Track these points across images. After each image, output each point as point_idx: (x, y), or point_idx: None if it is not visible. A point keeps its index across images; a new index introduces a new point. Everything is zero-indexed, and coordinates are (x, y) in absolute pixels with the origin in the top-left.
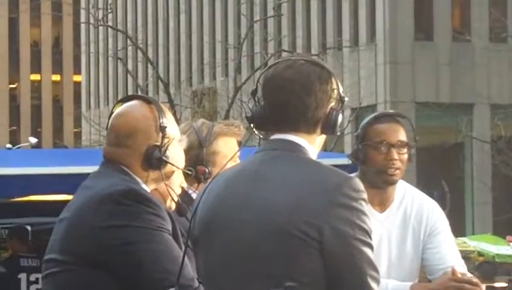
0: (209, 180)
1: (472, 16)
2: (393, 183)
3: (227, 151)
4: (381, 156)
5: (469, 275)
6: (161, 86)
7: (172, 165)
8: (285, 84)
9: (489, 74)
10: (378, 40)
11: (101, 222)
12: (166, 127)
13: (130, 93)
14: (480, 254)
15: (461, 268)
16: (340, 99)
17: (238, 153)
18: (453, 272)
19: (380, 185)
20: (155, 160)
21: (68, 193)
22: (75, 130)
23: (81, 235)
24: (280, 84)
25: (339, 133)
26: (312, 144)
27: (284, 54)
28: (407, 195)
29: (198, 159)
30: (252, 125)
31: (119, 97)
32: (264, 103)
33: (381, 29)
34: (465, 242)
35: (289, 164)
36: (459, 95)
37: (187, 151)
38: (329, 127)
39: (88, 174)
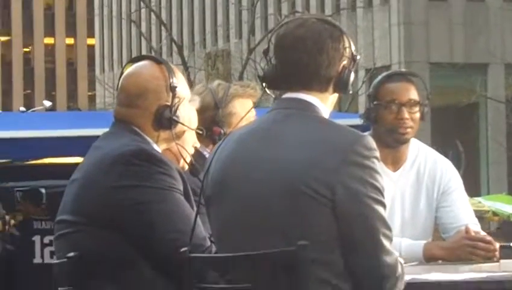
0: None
1: None
2: (405, 142)
3: (243, 113)
4: (392, 115)
5: (482, 233)
6: (175, 48)
7: (183, 125)
8: (297, 42)
9: (503, 34)
10: (392, 1)
11: (112, 182)
12: (176, 87)
13: None
14: (495, 213)
15: (475, 227)
16: (353, 58)
17: (254, 114)
18: (467, 230)
19: (392, 144)
20: (165, 120)
21: (82, 155)
22: (89, 93)
23: (92, 195)
24: (292, 43)
25: (350, 92)
26: (324, 103)
27: (298, 15)
28: (420, 154)
29: (213, 120)
30: (264, 84)
31: None
32: (276, 62)
33: None
34: (480, 202)
35: (301, 122)
36: (473, 55)
37: (203, 112)
38: (341, 85)
39: None
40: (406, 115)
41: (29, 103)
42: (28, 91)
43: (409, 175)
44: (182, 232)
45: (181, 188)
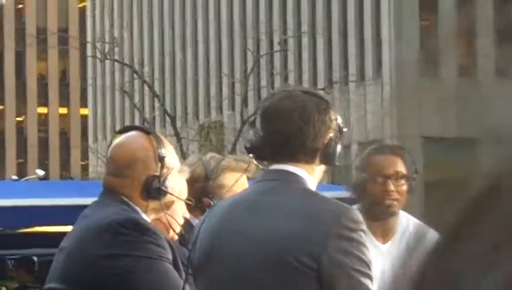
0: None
1: (478, 52)
2: (392, 214)
3: (235, 186)
4: (378, 188)
5: None
6: (168, 119)
7: (172, 195)
8: (283, 114)
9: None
10: (384, 75)
11: (100, 251)
12: (165, 157)
13: None
14: None
15: None
16: (339, 130)
17: (245, 186)
18: None
19: (379, 216)
20: (154, 190)
21: (73, 224)
22: (82, 162)
23: (80, 264)
24: (278, 114)
25: (337, 164)
26: (311, 175)
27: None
28: (409, 226)
29: (204, 191)
30: (251, 155)
31: None
32: (263, 133)
33: (387, 64)
34: None
35: (288, 194)
36: (466, 130)
37: (193, 182)
38: (328, 157)
39: None
40: (392, 188)
41: (22, 171)
42: (21, 160)
43: (399, 247)
44: None
45: (170, 257)
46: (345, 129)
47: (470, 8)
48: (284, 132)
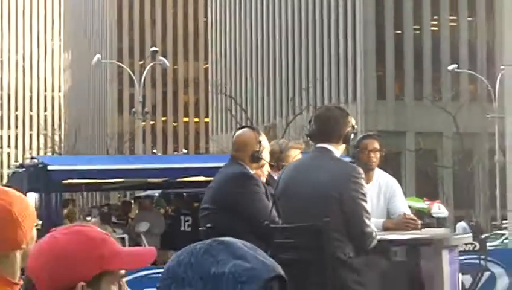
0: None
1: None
2: (372, 170)
3: (294, 157)
4: (365, 156)
5: (412, 216)
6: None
7: (265, 160)
8: (325, 117)
9: None
10: (358, 99)
11: (232, 189)
12: (261, 141)
13: None
14: (409, 206)
15: (408, 213)
16: (352, 127)
17: (300, 157)
18: (404, 215)
19: (365, 170)
20: (256, 158)
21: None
22: None
23: (221, 194)
24: (323, 118)
25: (351, 144)
26: (338, 149)
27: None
28: (380, 176)
29: (279, 159)
30: (308, 138)
31: None
32: (315, 127)
33: (360, 90)
34: None
35: (325, 160)
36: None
37: (273, 154)
38: (346, 140)
39: None
40: (372, 156)
41: None
42: None
43: (374, 187)
44: (264, 214)
45: (264, 191)
46: (356, 126)
47: None
48: (325, 127)
